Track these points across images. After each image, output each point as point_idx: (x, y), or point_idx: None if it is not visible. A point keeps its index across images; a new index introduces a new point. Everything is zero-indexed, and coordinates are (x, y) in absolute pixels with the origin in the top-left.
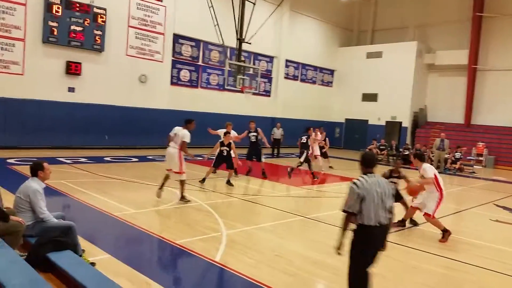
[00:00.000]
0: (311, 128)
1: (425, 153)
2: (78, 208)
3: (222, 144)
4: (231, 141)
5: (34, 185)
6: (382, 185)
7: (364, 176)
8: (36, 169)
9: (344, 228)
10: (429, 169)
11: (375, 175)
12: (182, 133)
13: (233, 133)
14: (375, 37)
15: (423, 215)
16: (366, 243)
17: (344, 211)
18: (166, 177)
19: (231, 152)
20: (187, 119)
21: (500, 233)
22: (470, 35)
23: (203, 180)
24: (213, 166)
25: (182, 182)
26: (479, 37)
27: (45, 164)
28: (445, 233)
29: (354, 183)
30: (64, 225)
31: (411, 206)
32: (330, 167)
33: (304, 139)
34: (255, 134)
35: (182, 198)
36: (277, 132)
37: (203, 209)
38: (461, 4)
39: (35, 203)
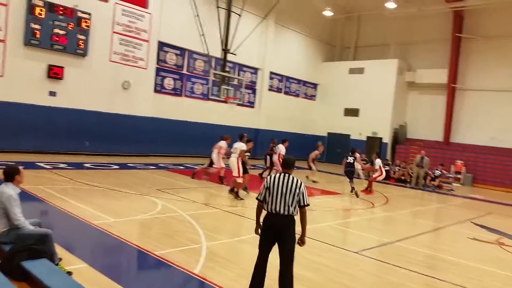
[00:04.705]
0: (273, 141)
1: (404, 169)
2: (56, 215)
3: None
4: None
5: (8, 190)
6: (289, 183)
7: (277, 174)
8: (13, 173)
9: (257, 213)
10: None
11: (289, 175)
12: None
13: (224, 144)
14: (358, 54)
15: None
16: (264, 225)
17: (256, 198)
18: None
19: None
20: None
21: (477, 252)
22: (450, 55)
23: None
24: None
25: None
26: (458, 57)
27: (21, 168)
28: None
29: (267, 177)
30: (40, 233)
31: None
32: (314, 181)
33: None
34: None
35: (236, 193)
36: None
37: (184, 220)
38: (442, 25)
39: (9, 209)
